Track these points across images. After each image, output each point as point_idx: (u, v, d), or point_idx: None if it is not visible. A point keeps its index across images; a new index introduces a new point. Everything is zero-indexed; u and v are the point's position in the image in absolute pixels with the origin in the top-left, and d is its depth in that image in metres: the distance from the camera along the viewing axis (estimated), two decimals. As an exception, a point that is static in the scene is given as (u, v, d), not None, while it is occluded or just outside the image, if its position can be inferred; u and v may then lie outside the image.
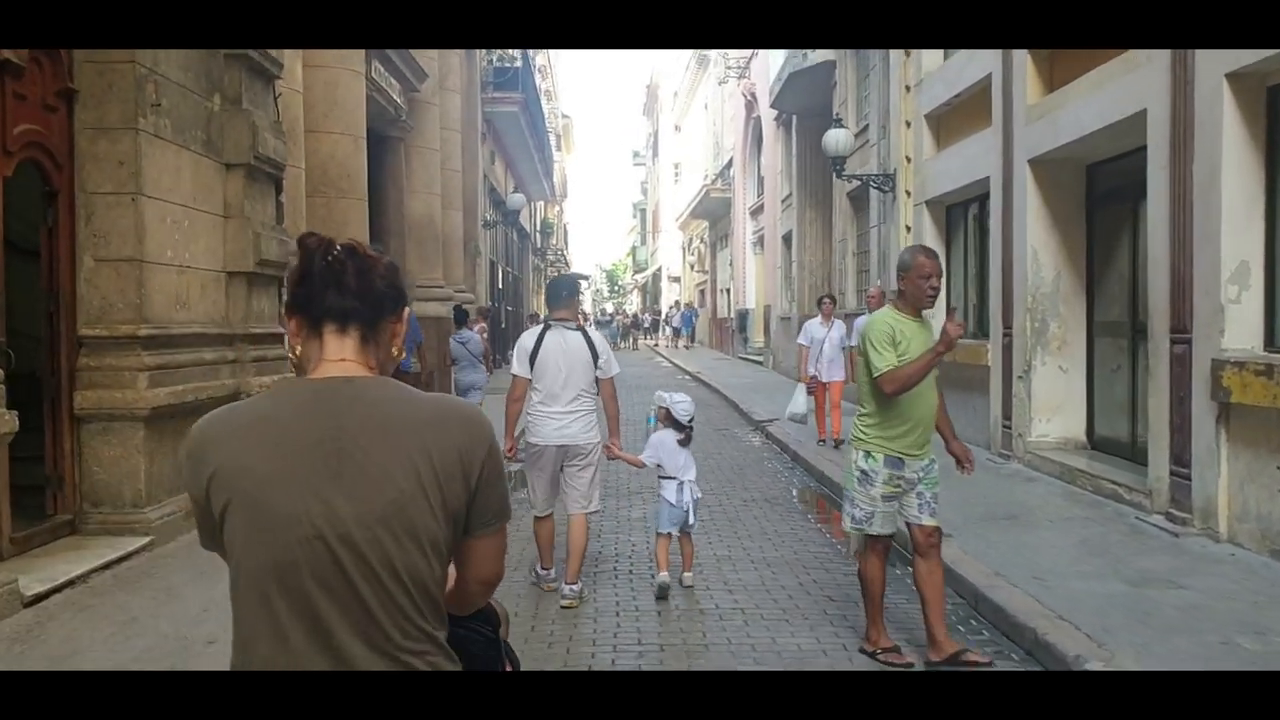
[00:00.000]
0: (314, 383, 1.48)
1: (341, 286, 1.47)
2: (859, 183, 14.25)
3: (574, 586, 5.30)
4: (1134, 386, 8.06)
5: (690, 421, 5.62)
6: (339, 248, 1.49)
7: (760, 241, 26.77)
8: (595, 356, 5.37)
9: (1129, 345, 8.17)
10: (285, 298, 1.52)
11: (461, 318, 11.94)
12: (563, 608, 5.22)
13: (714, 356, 31.30)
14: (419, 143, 15.46)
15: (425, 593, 1.44)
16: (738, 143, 29.53)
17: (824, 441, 10.47)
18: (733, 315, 31.37)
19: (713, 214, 35.63)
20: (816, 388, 10.65)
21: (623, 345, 39.25)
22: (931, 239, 11.68)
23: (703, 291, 41.25)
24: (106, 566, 5.56)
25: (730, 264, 32.21)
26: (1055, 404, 8.71)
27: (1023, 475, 8.40)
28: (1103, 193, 8.55)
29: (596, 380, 5.42)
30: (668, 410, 5.63)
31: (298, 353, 1.55)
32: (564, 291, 5.65)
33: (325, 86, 10.66)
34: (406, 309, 1.61)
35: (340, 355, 1.49)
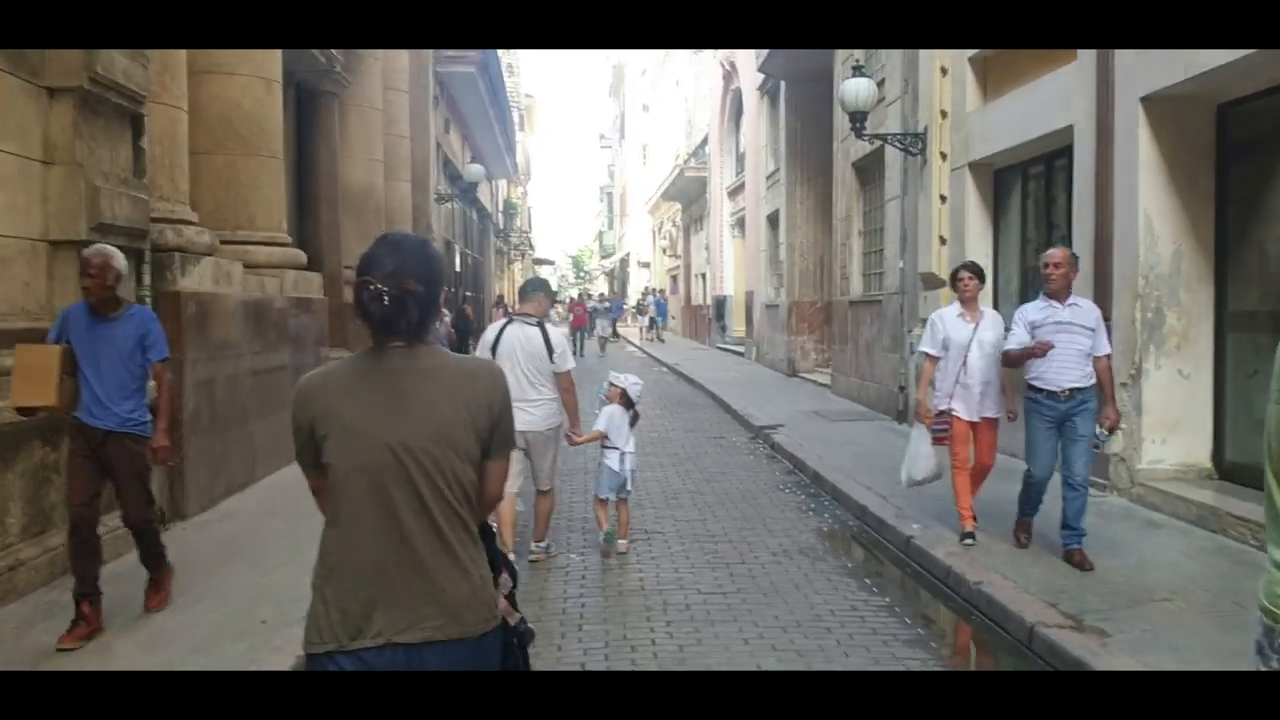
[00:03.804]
0: (383, 350, 2.05)
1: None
2: (872, 148, 12.19)
3: (542, 544, 5.95)
4: (1290, 398, 6.08)
5: (637, 400, 6.19)
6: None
7: (740, 223, 24.82)
8: (550, 351, 5.68)
9: (1276, 342, 6.19)
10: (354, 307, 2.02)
11: None
12: (531, 562, 5.80)
13: (690, 346, 29.24)
14: (358, 99, 13.13)
15: (461, 488, 2.03)
16: (714, 119, 27.57)
17: (971, 538, 5.75)
18: (709, 302, 29.27)
19: (686, 195, 33.60)
20: (953, 429, 5.83)
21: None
22: (976, 212, 9.65)
23: (675, 278, 39.09)
24: None
25: (706, 248, 30.16)
26: (1173, 419, 6.69)
27: (1137, 516, 6.38)
28: (1241, 141, 6.53)
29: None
30: (623, 390, 6.14)
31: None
32: (537, 290, 6.13)
33: (225, 13, 8.37)
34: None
35: (398, 339, 2.05)
